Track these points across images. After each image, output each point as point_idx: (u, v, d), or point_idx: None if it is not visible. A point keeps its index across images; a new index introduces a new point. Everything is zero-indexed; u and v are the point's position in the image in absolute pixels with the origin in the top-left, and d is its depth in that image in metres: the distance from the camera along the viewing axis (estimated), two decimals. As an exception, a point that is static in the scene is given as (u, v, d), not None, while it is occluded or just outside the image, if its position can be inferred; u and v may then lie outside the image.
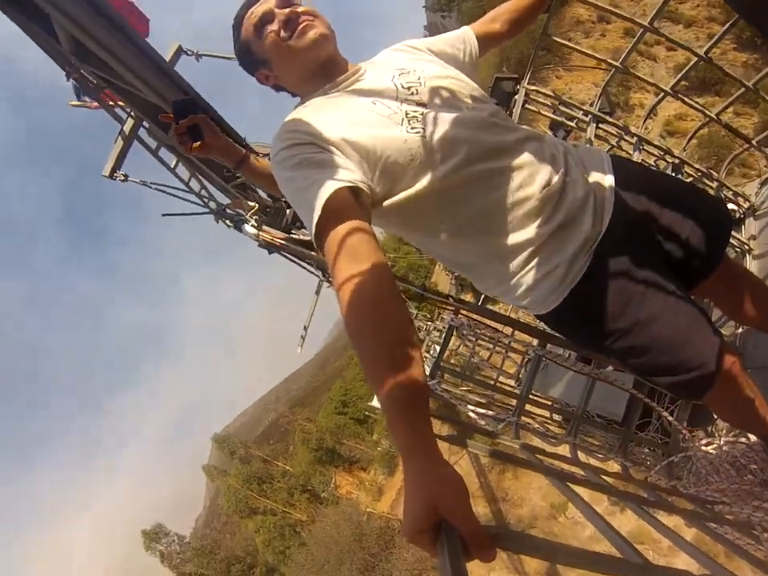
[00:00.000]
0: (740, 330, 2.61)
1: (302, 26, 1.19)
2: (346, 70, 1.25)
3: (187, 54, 2.76)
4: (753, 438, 2.03)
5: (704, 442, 2.24)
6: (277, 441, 53.09)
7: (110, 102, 2.24)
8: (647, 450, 2.60)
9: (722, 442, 2.17)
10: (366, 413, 34.34)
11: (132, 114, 2.38)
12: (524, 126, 1.34)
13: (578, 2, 2.35)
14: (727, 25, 2.13)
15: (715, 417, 2.39)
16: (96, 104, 2.33)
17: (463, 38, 1.45)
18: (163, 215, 3.14)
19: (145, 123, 2.40)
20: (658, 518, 1.41)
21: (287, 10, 1.20)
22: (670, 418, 2.33)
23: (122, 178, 2.66)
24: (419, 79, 1.20)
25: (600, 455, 2.52)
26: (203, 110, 1.80)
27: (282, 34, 1.20)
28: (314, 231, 0.97)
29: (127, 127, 2.46)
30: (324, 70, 1.23)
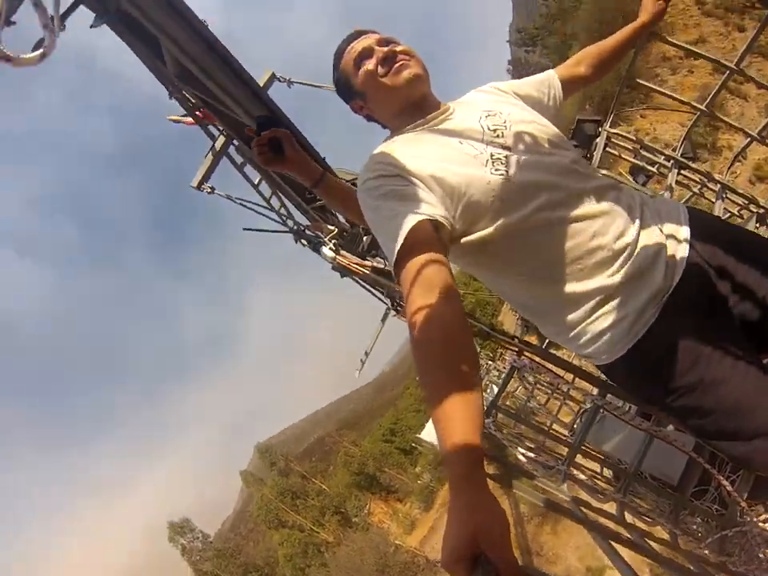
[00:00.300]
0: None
1: (398, 64, 1.26)
2: (437, 109, 1.30)
3: (280, 81, 2.93)
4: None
5: (762, 518, 2.09)
6: (319, 459, 53.38)
7: (205, 120, 2.42)
8: (700, 520, 2.42)
9: (782, 520, 2.02)
10: (413, 444, 33.87)
11: (224, 132, 2.56)
12: (603, 173, 1.34)
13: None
14: None
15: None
16: (192, 121, 2.51)
17: (548, 81, 1.48)
18: (245, 229, 3.27)
19: (234, 141, 2.56)
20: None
21: (386, 48, 1.27)
22: (730, 488, 2.17)
23: (209, 190, 2.86)
24: (505, 122, 1.23)
25: (648, 518, 2.39)
26: (286, 128, 1.90)
27: (380, 70, 1.26)
28: (393, 260, 1.00)
29: (218, 144, 2.64)
30: (415, 108, 1.28)
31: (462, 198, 1.11)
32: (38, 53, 0.71)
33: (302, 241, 3.11)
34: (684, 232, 1.27)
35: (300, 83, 3.04)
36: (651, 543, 1.79)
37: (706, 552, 2.12)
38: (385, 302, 3.92)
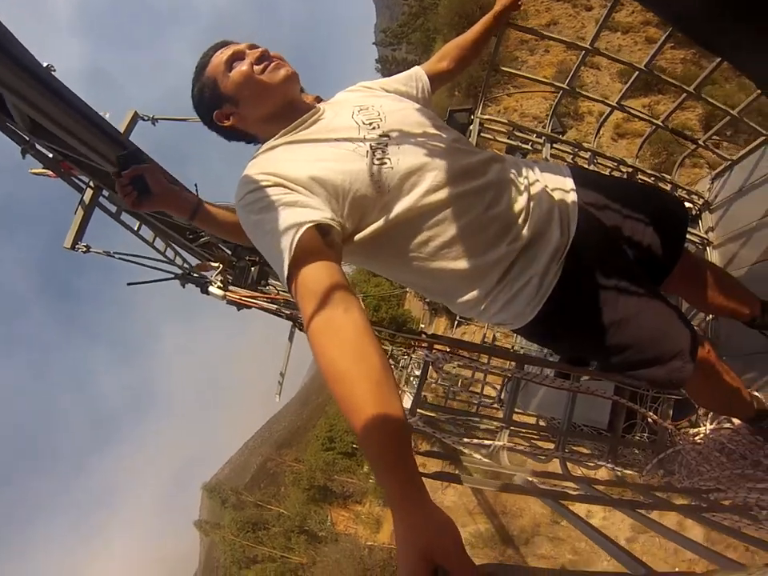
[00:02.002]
0: (711, 320, 2.70)
1: (274, 63, 1.24)
2: (308, 111, 1.27)
3: (144, 120, 2.74)
4: (737, 422, 2.08)
5: (691, 432, 2.30)
6: (267, 485, 51.58)
7: (69, 173, 2.21)
8: (637, 451, 2.62)
9: (707, 431, 2.22)
10: (354, 446, 33.64)
11: (90, 184, 2.36)
12: (485, 150, 1.38)
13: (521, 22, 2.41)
14: (664, 36, 2.18)
15: (697, 407, 2.43)
16: (54, 174, 2.28)
17: (415, 75, 1.52)
18: (128, 284, 2.99)
19: (104, 191, 2.37)
20: (658, 519, 1.45)
21: (260, 50, 1.25)
22: (654, 417, 2.37)
23: (84, 249, 2.56)
24: (379, 114, 1.22)
25: (590, 464, 2.53)
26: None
27: (256, 68, 1.23)
28: (285, 276, 0.95)
29: (87, 197, 2.41)
30: (288, 111, 1.25)
31: (348, 194, 1.08)
32: None
33: (191, 284, 2.94)
34: (569, 183, 1.36)
35: (165, 119, 2.86)
36: (599, 487, 1.91)
37: (651, 478, 2.27)
38: (289, 320, 3.83)
